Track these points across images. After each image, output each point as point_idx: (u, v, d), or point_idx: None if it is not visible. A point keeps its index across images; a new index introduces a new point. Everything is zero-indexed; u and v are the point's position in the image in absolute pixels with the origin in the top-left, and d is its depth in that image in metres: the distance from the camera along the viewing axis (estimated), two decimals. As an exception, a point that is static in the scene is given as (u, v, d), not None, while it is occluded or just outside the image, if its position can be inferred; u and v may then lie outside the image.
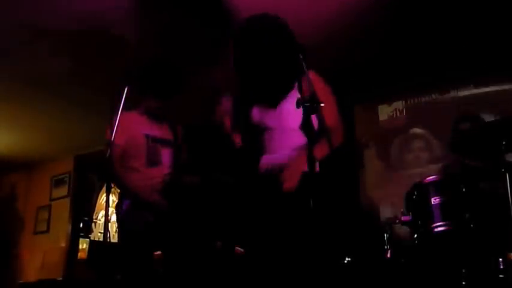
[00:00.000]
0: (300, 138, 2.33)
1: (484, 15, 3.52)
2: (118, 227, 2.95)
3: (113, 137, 2.37)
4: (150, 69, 3.03)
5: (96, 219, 6.34)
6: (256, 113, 2.45)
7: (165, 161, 2.99)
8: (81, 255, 6.19)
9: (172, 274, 2.84)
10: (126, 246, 2.91)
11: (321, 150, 2.11)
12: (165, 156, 3.00)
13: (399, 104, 4.44)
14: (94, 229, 6.30)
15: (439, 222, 2.72)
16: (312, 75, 2.26)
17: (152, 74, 2.99)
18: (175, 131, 3.09)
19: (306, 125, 1.96)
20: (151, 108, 3.01)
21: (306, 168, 2.15)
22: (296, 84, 2.14)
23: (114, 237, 6.01)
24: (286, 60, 2.18)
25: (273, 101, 2.40)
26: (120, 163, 2.93)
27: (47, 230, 6.70)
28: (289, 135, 2.35)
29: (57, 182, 6.78)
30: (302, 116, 1.96)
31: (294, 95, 2.24)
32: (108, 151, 2.36)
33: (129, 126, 2.91)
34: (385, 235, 3.06)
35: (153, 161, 2.95)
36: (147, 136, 2.97)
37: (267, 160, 2.39)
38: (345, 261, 3.01)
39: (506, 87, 3.93)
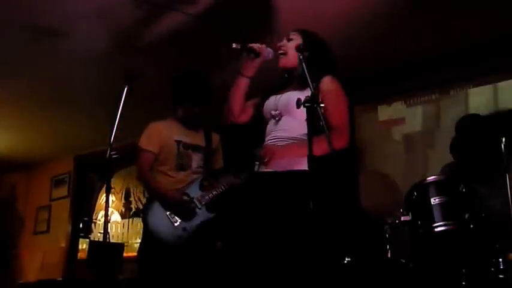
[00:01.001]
0: (303, 129, 2.35)
1: (484, 15, 3.52)
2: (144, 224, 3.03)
3: (112, 140, 2.40)
4: (183, 78, 3.16)
5: (96, 219, 6.34)
6: (271, 101, 2.52)
7: (195, 166, 3.11)
8: (81, 255, 6.20)
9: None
10: (150, 245, 2.98)
11: (320, 148, 2.11)
12: (195, 162, 3.11)
13: (399, 104, 4.44)
14: (94, 229, 6.31)
15: (439, 222, 2.72)
16: (328, 78, 2.41)
17: (185, 84, 3.13)
18: (209, 137, 3.21)
19: (308, 125, 1.98)
20: (185, 116, 3.15)
21: (292, 156, 2.26)
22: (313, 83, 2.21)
23: (113, 238, 6.02)
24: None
25: (288, 90, 2.47)
26: (151, 168, 3.09)
27: (47, 230, 6.71)
28: (294, 124, 2.38)
29: (57, 182, 6.78)
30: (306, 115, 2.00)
31: (307, 91, 2.30)
32: (108, 152, 2.37)
33: (162, 134, 3.10)
34: (385, 235, 3.06)
35: (182, 166, 3.07)
36: (178, 142, 3.09)
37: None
38: (345, 261, 3.01)
39: (504, 86, 3.94)
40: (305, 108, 1.98)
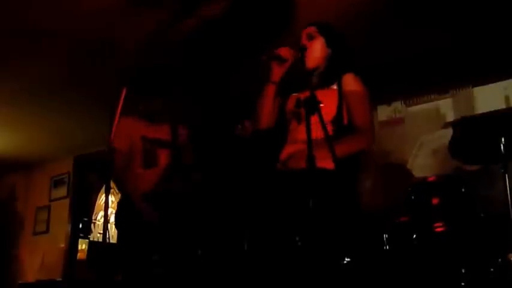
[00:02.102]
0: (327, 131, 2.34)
1: (483, 16, 3.52)
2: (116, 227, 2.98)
3: (111, 139, 2.38)
4: (142, 72, 3.07)
5: (96, 219, 6.33)
6: (293, 100, 2.47)
7: (162, 162, 3.00)
8: (81, 255, 6.19)
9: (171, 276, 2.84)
10: (123, 248, 2.95)
11: (344, 148, 2.13)
12: (162, 158, 3.00)
13: (399, 104, 4.44)
14: (93, 230, 6.30)
15: (439, 222, 2.71)
16: (351, 76, 2.39)
17: (145, 77, 3.05)
18: (175, 131, 3.08)
19: (306, 125, 1.98)
20: (148, 110, 3.04)
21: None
22: (336, 82, 2.26)
23: (113, 238, 6.01)
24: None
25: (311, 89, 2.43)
26: (122, 167, 2.97)
27: (47, 231, 6.70)
28: (317, 125, 2.35)
29: (57, 183, 6.77)
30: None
31: (331, 91, 2.28)
32: (108, 153, 2.36)
33: (128, 131, 2.97)
34: (385, 235, 3.05)
35: (149, 162, 2.96)
36: (143, 138, 2.99)
37: (286, 151, 2.40)
38: (345, 262, 3.00)
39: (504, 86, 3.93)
40: (304, 109, 1.97)
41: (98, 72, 4.26)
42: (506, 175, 2.63)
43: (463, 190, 2.75)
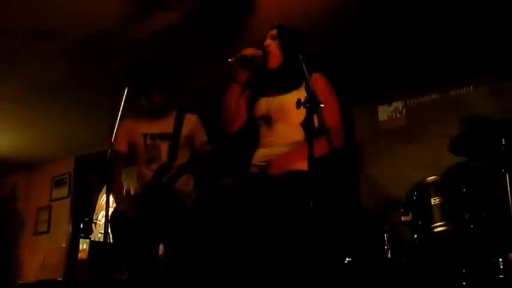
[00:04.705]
0: (298, 134, 2.33)
1: (482, 15, 3.52)
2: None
3: (113, 139, 2.38)
4: (135, 69, 3.01)
5: (97, 219, 6.34)
6: (262, 105, 2.44)
7: (165, 156, 2.96)
8: (82, 255, 6.20)
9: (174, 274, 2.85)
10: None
11: (320, 149, 2.10)
12: (165, 152, 2.97)
13: (399, 104, 4.44)
14: (94, 229, 6.30)
15: (439, 222, 2.72)
16: (316, 75, 2.33)
17: (139, 74, 2.98)
18: (180, 122, 3.03)
19: (307, 126, 1.97)
20: (149, 106, 3.01)
21: (296, 163, 2.22)
22: (303, 82, 2.17)
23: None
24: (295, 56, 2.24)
25: (278, 93, 2.41)
26: (120, 168, 3.00)
27: (47, 231, 6.71)
28: (288, 129, 2.36)
29: (58, 183, 6.78)
30: (304, 115, 1.98)
31: (300, 92, 2.27)
32: (108, 152, 2.37)
33: (130, 131, 2.98)
34: (385, 235, 3.06)
35: (151, 158, 2.95)
36: (145, 135, 2.98)
37: (260, 155, 2.40)
38: (345, 262, 3.01)
39: (506, 86, 3.94)
40: (305, 109, 1.97)
41: (98, 71, 4.27)
42: (507, 175, 2.64)
43: (463, 190, 2.75)
